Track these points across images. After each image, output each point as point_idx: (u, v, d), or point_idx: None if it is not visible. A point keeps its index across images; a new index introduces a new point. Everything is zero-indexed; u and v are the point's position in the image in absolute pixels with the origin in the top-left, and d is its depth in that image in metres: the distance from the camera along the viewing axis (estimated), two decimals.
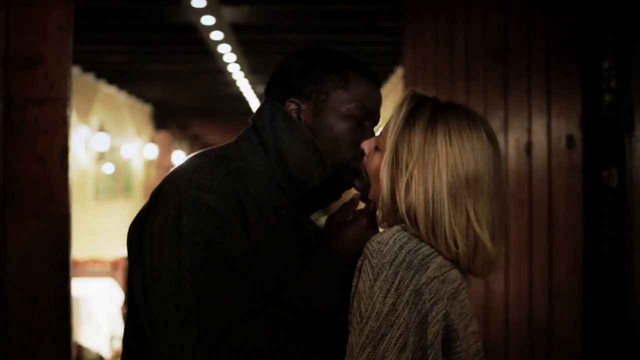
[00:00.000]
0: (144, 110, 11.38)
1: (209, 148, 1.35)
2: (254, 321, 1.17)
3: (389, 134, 1.26)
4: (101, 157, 8.52)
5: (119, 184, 9.71)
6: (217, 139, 18.77)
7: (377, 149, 1.31)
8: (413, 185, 1.21)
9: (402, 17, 4.65)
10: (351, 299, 1.21)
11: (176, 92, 10.38)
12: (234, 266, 1.17)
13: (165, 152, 12.37)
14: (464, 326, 1.25)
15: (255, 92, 9.46)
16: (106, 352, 5.93)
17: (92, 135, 8.25)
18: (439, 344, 1.18)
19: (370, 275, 1.17)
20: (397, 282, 1.15)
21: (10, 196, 2.27)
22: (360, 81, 1.36)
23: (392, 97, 8.60)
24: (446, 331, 1.20)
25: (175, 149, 13.24)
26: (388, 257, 1.17)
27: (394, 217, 1.26)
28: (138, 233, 1.26)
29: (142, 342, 1.24)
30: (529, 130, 2.31)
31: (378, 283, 1.16)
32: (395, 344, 1.14)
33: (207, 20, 5.40)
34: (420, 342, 1.16)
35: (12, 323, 2.24)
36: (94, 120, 8.40)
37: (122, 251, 8.88)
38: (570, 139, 1.99)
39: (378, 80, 1.40)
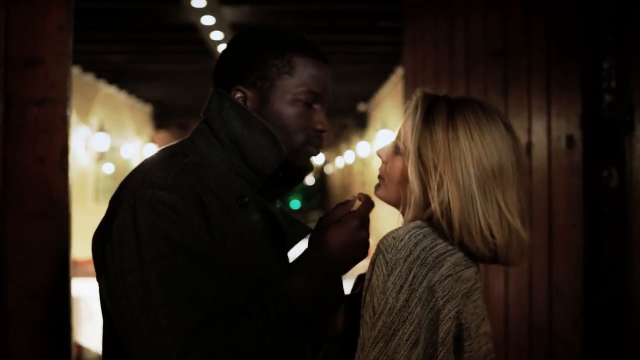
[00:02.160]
0: (144, 110, 11.38)
1: (164, 147, 1.33)
2: (235, 320, 1.15)
3: (409, 137, 1.27)
4: (101, 157, 8.52)
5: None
6: None
7: (397, 153, 1.32)
8: (445, 183, 1.22)
9: (402, 17, 4.65)
10: (364, 293, 1.22)
11: (176, 92, 10.38)
12: (197, 260, 1.15)
13: None
14: (476, 326, 1.25)
15: None
16: None
17: (92, 135, 8.25)
18: (450, 342, 1.19)
19: (384, 270, 1.18)
20: (410, 278, 1.16)
21: (10, 196, 2.27)
22: (306, 63, 1.32)
23: (392, 97, 8.59)
24: (458, 329, 1.21)
25: None
26: (403, 253, 1.18)
27: (421, 216, 1.27)
28: (100, 241, 1.24)
29: (119, 347, 1.22)
30: (529, 130, 2.31)
31: (392, 278, 1.16)
32: (407, 340, 1.15)
33: (207, 20, 5.40)
34: (432, 339, 1.17)
35: (13, 322, 2.24)
36: (94, 120, 8.40)
37: None
38: (570, 139, 1.99)
39: (325, 58, 1.37)
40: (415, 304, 1.16)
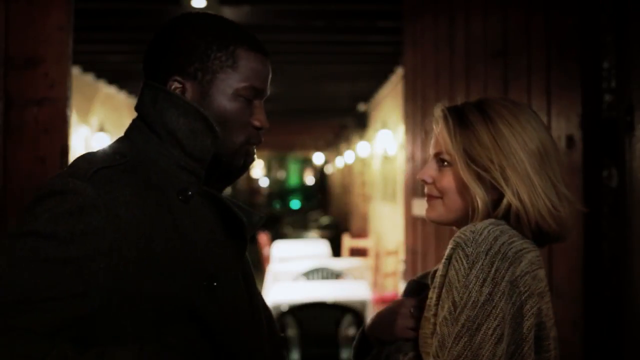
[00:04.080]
0: None
1: (102, 147, 1.29)
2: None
3: (452, 145, 1.28)
4: None
5: None
6: None
7: (444, 165, 1.31)
8: (508, 173, 1.24)
9: (402, 17, 4.65)
10: (437, 290, 1.21)
11: None
12: (66, 261, 1.07)
13: None
14: (550, 327, 1.25)
15: None
16: None
17: (92, 135, 8.25)
18: (532, 339, 1.19)
19: (464, 263, 1.16)
20: (493, 271, 1.15)
21: (10, 196, 2.27)
22: (249, 58, 1.27)
23: (392, 97, 8.59)
24: (538, 328, 1.21)
25: None
26: (483, 247, 1.17)
27: (493, 216, 1.27)
28: None
29: None
30: None
31: (474, 272, 1.15)
32: (492, 335, 1.13)
33: None
34: (515, 335, 1.16)
35: None
36: (94, 120, 8.41)
37: None
38: (570, 139, 1.99)
39: (267, 52, 1.32)
40: (499, 297, 1.14)
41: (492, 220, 1.23)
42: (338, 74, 8.47)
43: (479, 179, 1.26)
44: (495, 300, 1.14)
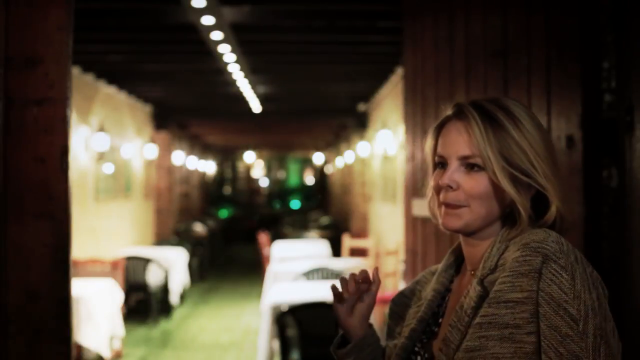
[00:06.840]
0: (144, 110, 11.38)
1: None
2: None
3: (484, 148, 1.21)
4: (101, 157, 8.52)
5: (119, 184, 9.71)
6: (217, 139, 18.73)
7: (474, 170, 1.23)
8: (550, 178, 1.22)
9: (402, 17, 4.65)
10: (529, 307, 1.15)
11: (176, 92, 10.37)
12: None
13: (165, 152, 12.36)
14: None
15: (255, 92, 9.46)
16: (106, 352, 5.92)
17: (92, 135, 8.25)
18: None
19: (564, 276, 1.13)
20: (588, 276, 1.16)
21: (10, 196, 2.27)
22: None
23: (392, 97, 8.58)
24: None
25: (175, 149, 13.24)
26: (572, 256, 1.16)
27: (532, 223, 1.24)
28: None
29: None
30: None
31: (577, 281, 1.13)
32: (614, 334, 1.16)
33: (207, 20, 5.40)
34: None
35: (12, 323, 2.24)
36: (94, 120, 8.40)
37: (122, 251, 8.88)
38: (570, 139, 1.99)
39: None
40: (603, 298, 1.16)
41: (545, 229, 1.20)
42: (338, 74, 8.46)
43: (517, 184, 1.21)
44: (602, 302, 1.16)
